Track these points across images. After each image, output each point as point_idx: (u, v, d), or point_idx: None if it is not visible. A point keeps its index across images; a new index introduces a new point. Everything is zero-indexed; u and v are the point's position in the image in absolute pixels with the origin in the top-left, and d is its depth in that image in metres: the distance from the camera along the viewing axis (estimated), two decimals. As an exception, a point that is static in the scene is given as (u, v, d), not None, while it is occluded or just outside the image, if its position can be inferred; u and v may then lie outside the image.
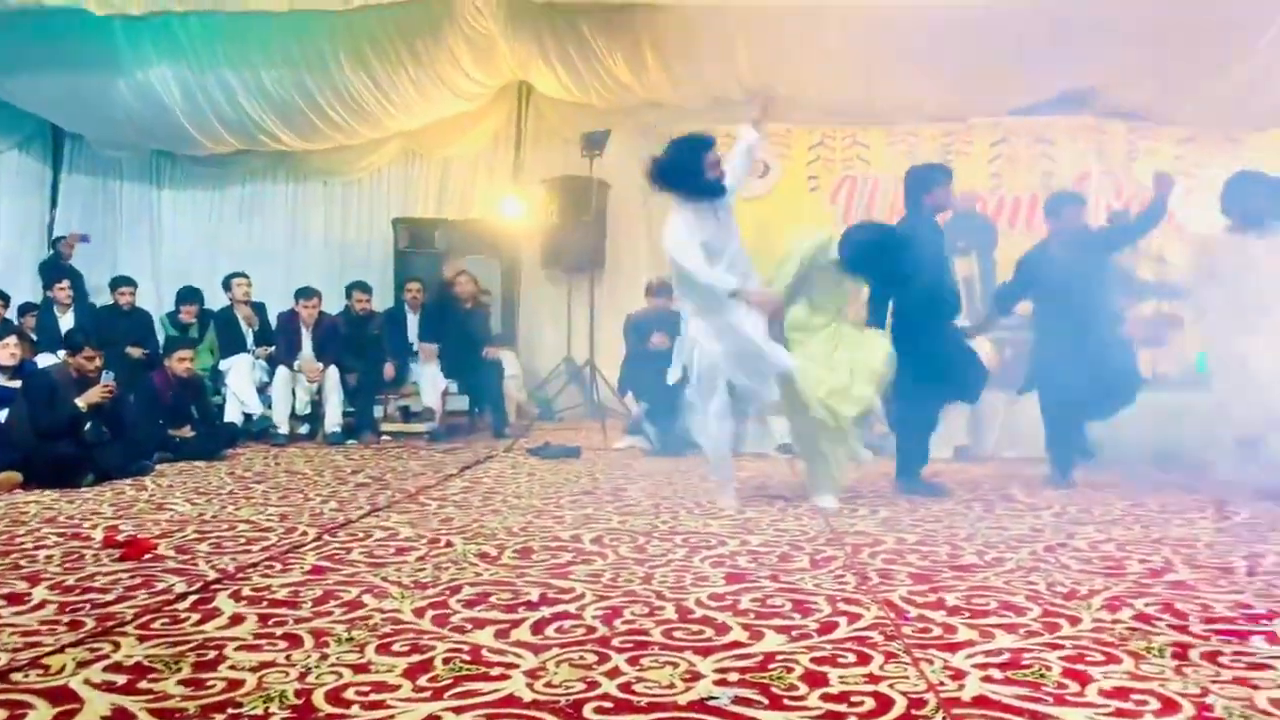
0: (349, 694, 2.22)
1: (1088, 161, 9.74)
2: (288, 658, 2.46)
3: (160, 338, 8.13)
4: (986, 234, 8.67)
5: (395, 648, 2.55)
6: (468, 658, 2.47)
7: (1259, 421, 5.31)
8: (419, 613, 2.88)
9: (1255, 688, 2.25)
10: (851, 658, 2.47)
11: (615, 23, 8.78)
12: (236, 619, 2.80)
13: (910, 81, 9.03)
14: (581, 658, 2.47)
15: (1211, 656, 2.47)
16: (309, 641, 2.59)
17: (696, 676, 2.33)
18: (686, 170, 4.56)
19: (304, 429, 8.00)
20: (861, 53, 8.67)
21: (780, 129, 9.93)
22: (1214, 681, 2.29)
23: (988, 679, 2.31)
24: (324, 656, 2.47)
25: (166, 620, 2.79)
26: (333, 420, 7.72)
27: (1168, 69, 8.79)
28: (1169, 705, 2.14)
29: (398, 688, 2.26)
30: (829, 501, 4.80)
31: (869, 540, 4.02)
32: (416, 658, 2.47)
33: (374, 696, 2.20)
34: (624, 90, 9.50)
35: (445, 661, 2.44)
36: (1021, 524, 4.40)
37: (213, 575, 3.33)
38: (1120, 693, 2.22)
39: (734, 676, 2.33)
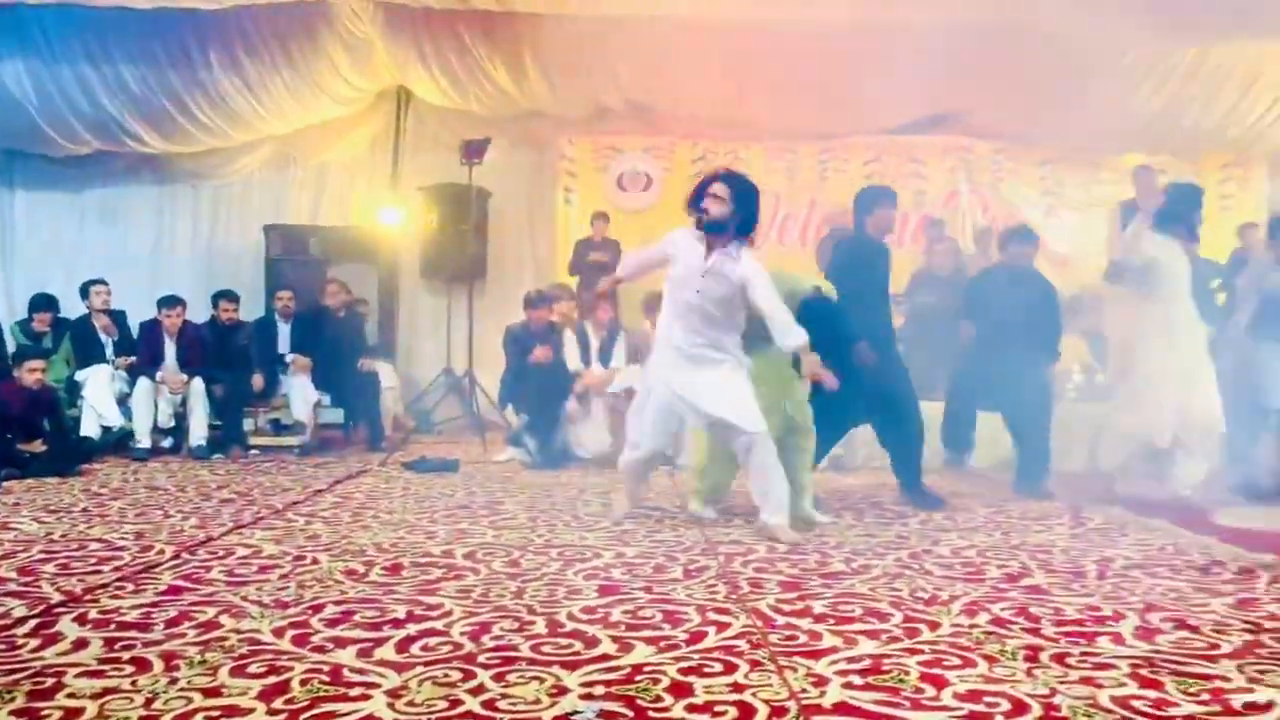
0: (197, 719, 2.13)
1: (956, 180, 10.12)
2: (133, 683, 2.34)
3: (11, 347, 7.68)
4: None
5: (251, 669, 2.45)
6: (327, 678, 2.40)
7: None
8: (278, 633, 2.78)
9: (1099, 686, 2.34)
10: (718, 667, 2.49)
11: (496, 30, 8.72)
12: (80, 643, 2.66)
13: (788, 98, 9.22)
14: (446, 675, 2.42)
15: (1060, 658, 2.57)
16: (158, 665, 2.48)
17: (563, 691, 2.31)
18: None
19: (167, 443, 7.67)
20: (741, 68, 8.82)
21: (664, 142, 10.03)
22: (1061, 682, 2.38)
23: (849, 685, 2.35)
24: (173, 681, 2.36)
25: (2, 647, 2.63)
26: (197, 433, 7.42)
27: (1030, 93, 9.18)
28: (1019, 706, 2.22)
29: (251, 711, 2.18)
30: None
31: (742, 550, 4.06)
32: (273, 679, 2.38)
33: (225, 721, 2.11)
34: (505, 98, 9.44)
35: (303, 683, 2.36)
36: (889, 531, 4.51)
37: (57, 598, 3.16)
38: (974, 695, 2.28)
39: (600, 690, 2.31)
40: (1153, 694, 2.29)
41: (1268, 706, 2.21)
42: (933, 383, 7.77)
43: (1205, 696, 2.27)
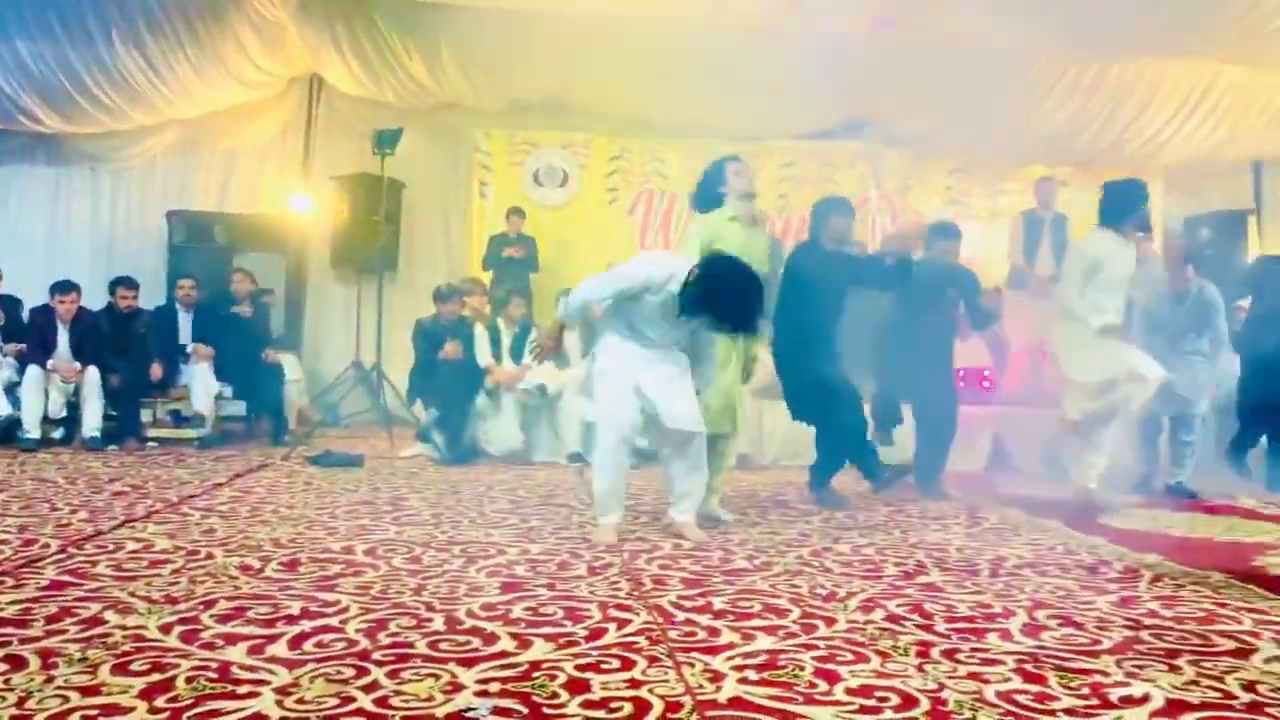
0: (74, 719, 2.05)
1: (867, 186, 10.30)
2: (6, 681, 2.24)
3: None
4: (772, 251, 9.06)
5: (134, 667, 2.37)
6: (214, 676, 2.33)
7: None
8: (166, 629, 2.70)
9: (986, 681, 2.40)
10: (616, 663, 2.49)
11: (412, 20, 8.60)
12: (-50, 641, 2.54)
13: (707, 99, 9.27)
14: (339, 672, 2.38)
15: (950, 654, 2.63)
16: (35, 663, 2.38)
17: (458, 688, 2.28)
18: None
19: (58, 433, 7.39)
20: (661, 67, 8.84)
21: (582, 139, 10.01)
22: (950, 677, 2.44)
23: (744, 680, 2.37)
24: (49, 679, 2.27)
25: None
26: (91, 424, 7.16)
27: (940, 104, 9.39)
28: (908, 700, 2.26)
29: (131, 710, 2.11)
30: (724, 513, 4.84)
31: (648, 546, 4.07)
32: (157, 677, 2.31)
33: (102, 720, 2.04)
34: (420, 89, 9.32)
35: (189, 680, 2.30)
36: (792, 529, 4.57)
37: (-72, 593, 3.02)
38: (865, 690, 2.32)
39: (496, 687, 2.29)
40: (1035, 688, 2.36)
41: (1143, 699, 2.30)
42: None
43: (1085, 690, 2.35)
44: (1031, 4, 7.65)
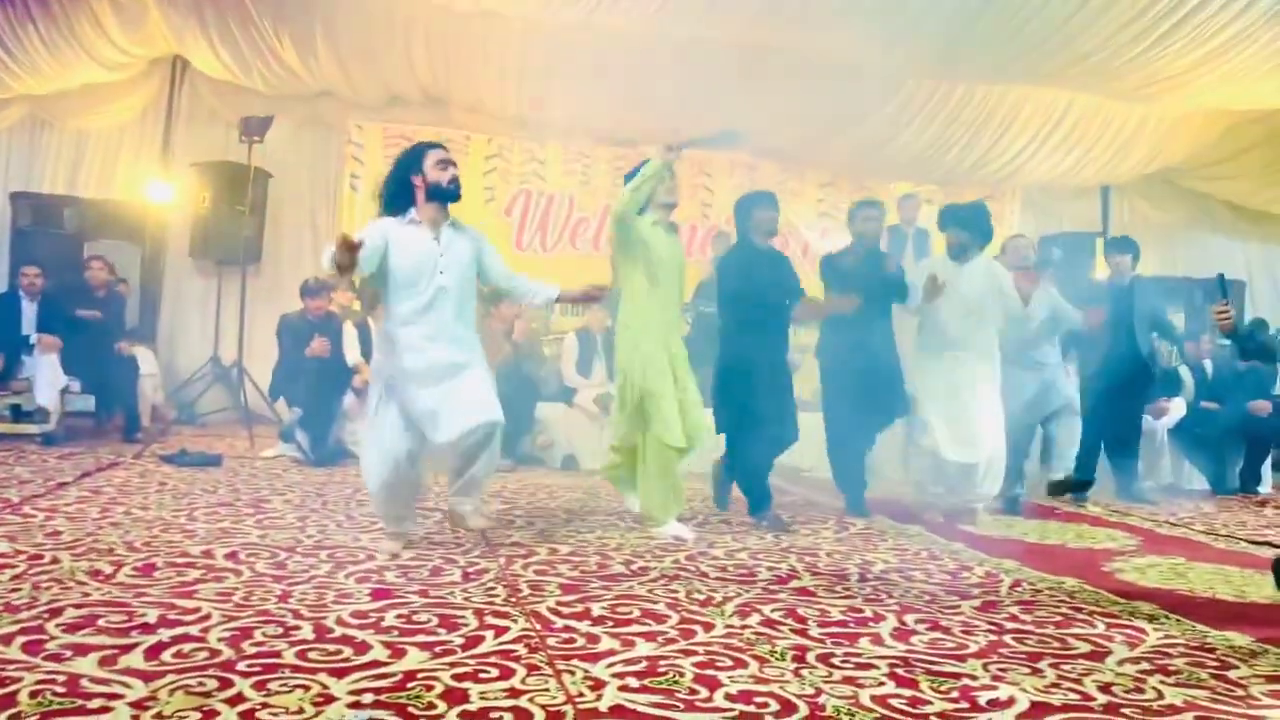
0: (-100, 740, 1.89)
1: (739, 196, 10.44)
2: None
3: None
4: None
5: (-30, 682, 2.20)
6: (62, 689, 2.18)
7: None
8: (6, 639, 2.52)
9: (861, 686, 2.45)
10: (495, 672, 2.44)
11: (285, 4, 8.29)
12: None
13: (585, 102, 9.24)
14: (201, 684, 2.26)
15: (826, 658, 2.67)
16: None
17: (329, 699, 2.20)
18: None
19: (-117, 427, 6.85)
20: (540, 68, 8.77)
21: (458, 135, 9.85)
22: (826, 682, 2.47)
23: (625, 688, 2.36)
24: (-127, 697, 2.08)
25: None
26: (-79, 418, 6.66)
27: (811, 118, 9.61)
28: (787, 707, 2.28)
29: (-33, 729, 1.95)
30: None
31: (523, 552, 4.02)
32: (-3, 693, 2.15)
33: (-66, 742, 1.88)
34: (292, 76, 9.00)
35: (33, 695, 2.15)
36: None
37: None
38: (745, 696, 2.34)
39: (369, 698, 2.22)
40: (909, 692, 2.42)
41: (1009, 702, 2.37)
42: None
43: (955, 694, 2.42)
44: (900, 29, 7.89)
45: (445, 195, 3.98)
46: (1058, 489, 6.32)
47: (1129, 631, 3.10)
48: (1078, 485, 6.38)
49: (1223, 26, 7.37)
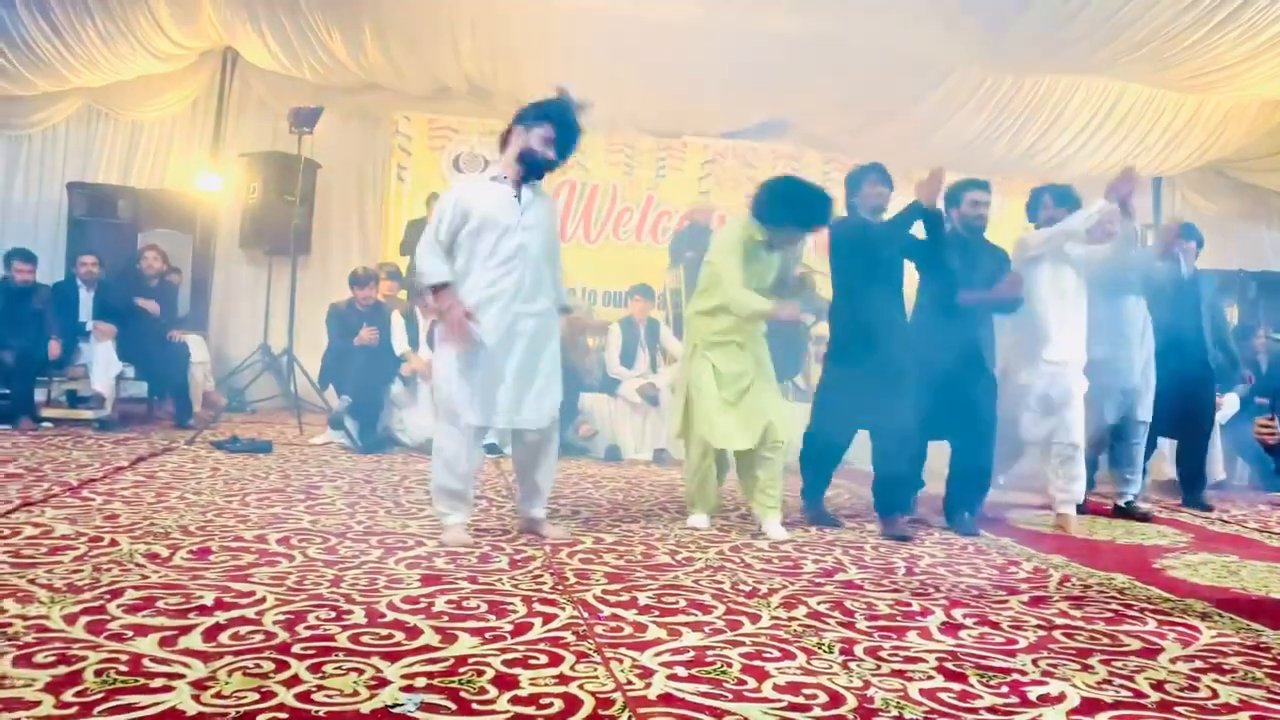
0: (-26, 714, 1.94)
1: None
2: (-102, 674, 2.12)
3: None
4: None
5: (38, 659, 2.26)
6: (125, 668, 2.23)
7: None
8: (70, 619, 2.58)
9: (909, 679, 2.44)
10: (544, 659, 2.46)
11: (333, -4, 8.39)
12: None
13: (629, 93, 9.26)
14: (257, 666, 2.30)
15: (873, 651, 2.67)
16: (-72, 655, 2.25)
17: (382, 683, 2.23)
18: None
19: (-54, 411, 7.04)
20: (584, 58, 8.79)
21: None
22: (874, 675, 2.47)
23: (673, 677, 2.37)
24: (-54, 672, 2.15)
25: None
26: (-18, 402, 6.84)
27: (856, 107, 9.56)
28: (835, 698, 2.28)
29: (37, 704, 2.00)
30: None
31: (568, 540, 4.05)
32: (63, 670, 2.20)
33: (7, 716, 1.93)
34: (339, 68, 9.11)
35: (98, 673, 2.19)
36: (711, 525, 4.59)
37: None
38: (793, 688, 2.34)
39: (422, 682, 2.25)
40: (958, 686, 2.41)
41: (1060, 698, 2.36)
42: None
43: (1004, 689, 2.41)
44: (949, 19, 7.81)
45: (533, 165, 4.04)
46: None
47: (1181, 629, 3.07)
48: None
49: (1279, 16, 7.22)
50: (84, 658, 2.29)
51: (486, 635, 2.63)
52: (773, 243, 4.64)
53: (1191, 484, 6.25)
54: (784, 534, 4.41)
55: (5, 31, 8.06)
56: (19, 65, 8.42)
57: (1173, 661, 2.71)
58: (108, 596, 2.81)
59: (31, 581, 2.92)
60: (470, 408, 3.85)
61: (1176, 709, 2.32)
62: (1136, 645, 2.86)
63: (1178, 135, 9.99)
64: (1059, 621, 3.09)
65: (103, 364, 7.21)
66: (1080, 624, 3.07)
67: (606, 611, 2.94)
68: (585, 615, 2.88)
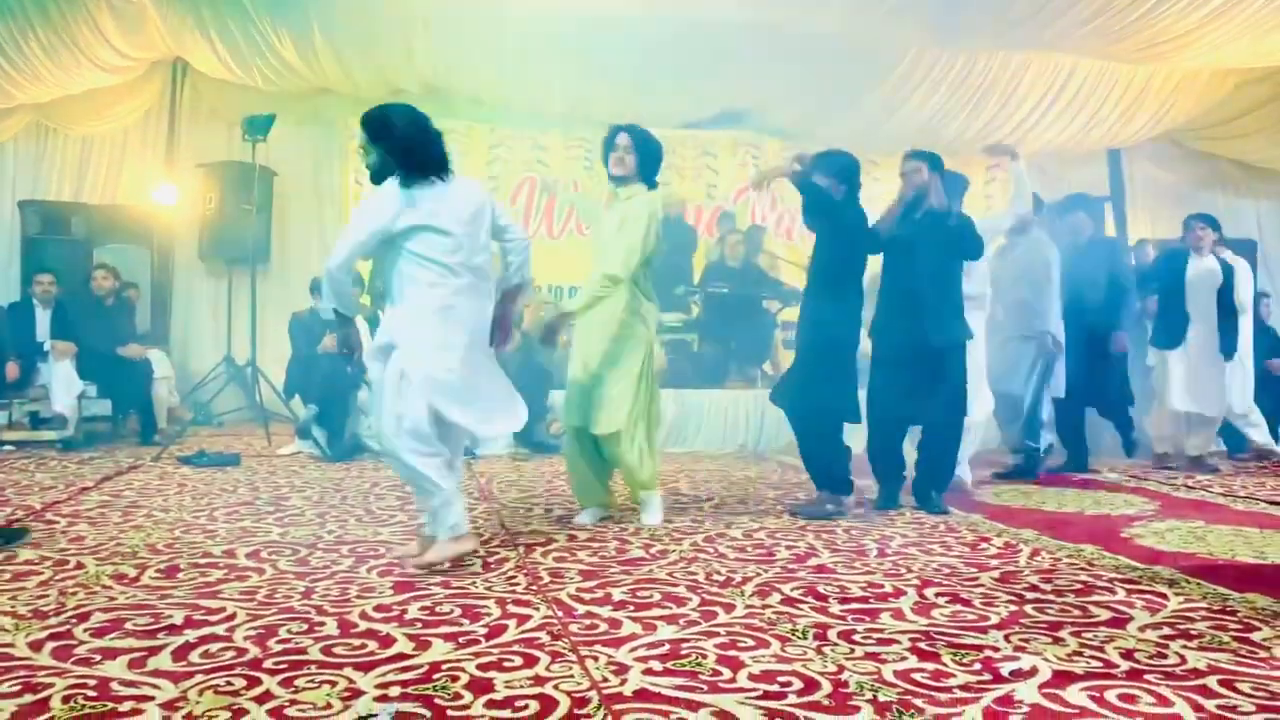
0: (-63, 749, 1.91)
1: (746, 175, 10.43)
2: None
3: None
4: (689, 237, 9.44)
5: (3, 688, 2.23)
6: (93, 693, 2.21)
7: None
8: (36, 646, 2.54)
9: (883, 661, 2.46)
10: (519, 660, 2.45)
11: (283, 1, 8.28)
12: None
13: (584, 87, 9.24)
14: (229, 683, 2.28)
15: (847, 635, 2.68)
16: (-110, 690, 2.21)
17: (356, 694, 2.22)
18: None
19: (-97, 439, 6.92)
20: (537, 55, 8.76)
21: (460, 125, 9.84)
22: (849, 659, 2.48)
23: (649, 671, 2.37)
24: (-92, 707, 2.11)
25: None
26: (-60, 428, 6.72)
27: (813, 93, 9.58)
28: (810, 684, 2.29)
29: (2, 736, 1.98)
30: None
31: (542, 539, 4.04)
32: (29, 698, 2.18)
33: (-30, 749, 1.91)
34: (291, 73, 9.00)
35: (65, 700, 2.17)
36: (685, 516, 4.60)
37: None
38: (768, 676, 2.35)
39: (396, 690, 2.23)
40: (931, 666, 2.43)
41: (1031, 672, 2.38)
42: (725, 372, 8.03)
43: (977, 666, 2.43)
44: (899, 2, 7.84)
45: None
46: None
47: (1149, 597, 3.11)
48: None
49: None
50: (50, 684, 2.26)
51: (460, 640, 2.62)
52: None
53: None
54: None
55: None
56: (-38, 84, 8.26)
57: (1141, 630, 2.75)
58: (75, 620, 2.77)
59: (-5, 609, 2.88)
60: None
61: (1146, 676, 2.35)
62: (1106, 615, 2.89)
63: (1130, 107, 10.08)
64: (1029, 596, 3.12)
65: (63, 383, 7.11)
66: (1050, 597, 3.11)
67: (581, 609, 2.94)
68: (560, 614, 2.88)
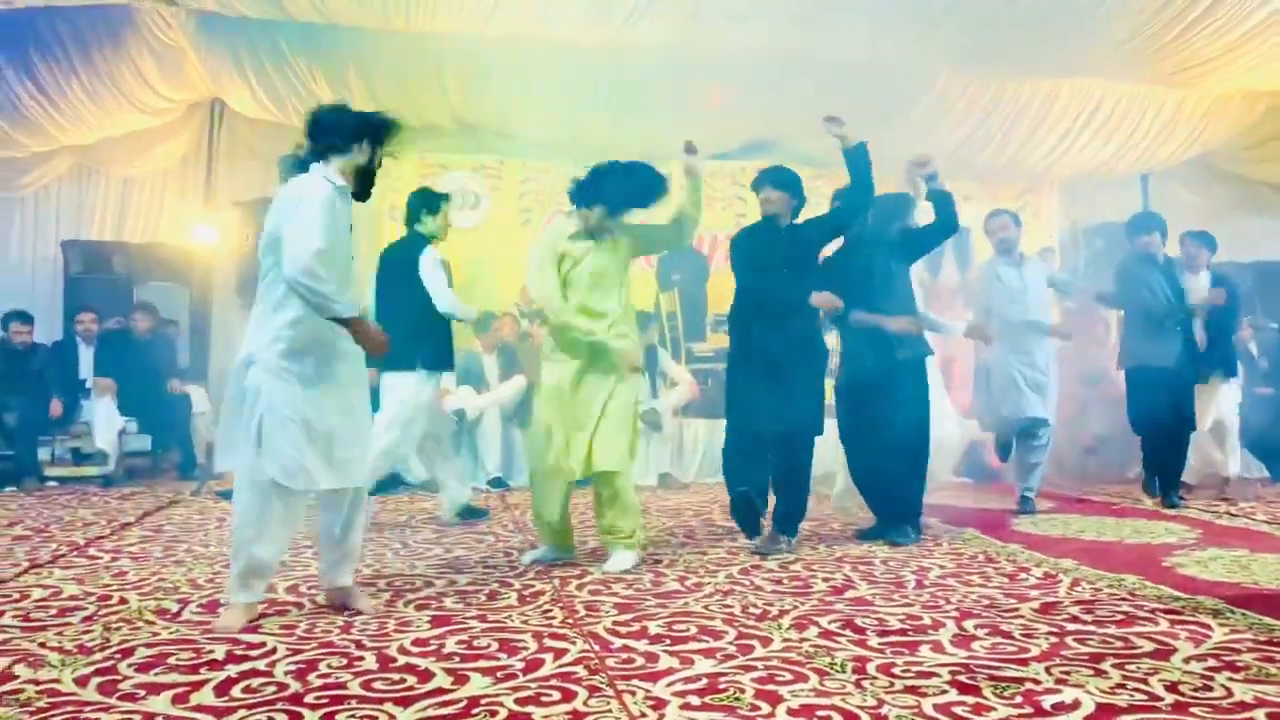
0: (-11, 785, 1.94)
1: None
2: (-88, 748, 2.12)
3: None
4: (700, 266, 9.46)
5: (51, 725, 2.27)
6: (138, 729, 2.24)
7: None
8: (82, 681, 2.58)
9: (923, 695, 2.44)
10: (557, 695, 2.46)
11: (318, 42, 8.44)
12: None
13: (616, 119, 9.31)
14: (270, 718, 2.30)
15: (886, 668, 2.67)
16: (-59, 726, 2.26)
17: (396, 729, 2.23)
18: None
19: (-50, 476, 7.05)
20: (569, 89, 8.85)
21: (493, 161, 9.96)
22: (888, 692, 2.47)
23: (686, 706, 2.37)
24: (-41, 743, 2.15)
25: None
26: (-14, 465, 6.85)
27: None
28: (849, 719, 2.28)
29: (51, 772, 2.01)
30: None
31: (577, 572, 4.05)
32: (76, 735, 2.21)
33: (20, 785, 1.94)
34: (327, 113, 9.15)
35: (111, 736, 2.20)
36: (720, 548, 4.59)
37: None
38: (807, 710, 2.34)
39: (436, 726, 2.25)
40: (972, 699, 2.40)
41: (1074, 705, 2.35)
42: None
43: (1019, 699, 2.40)
44: (926, 28, 7.86)
45: None
46: None
47: (1193, 628, 3.06)
48: None
49: (1257, 7, 7.28)
50: (97, 720, 2.29)
51: (498, 674, 2.63)
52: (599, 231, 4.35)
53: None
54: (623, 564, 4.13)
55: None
56: (6, 126, 8.46)
57: (1186, 661, 2.71)
58: (119, 656, 2.81)
59: (42, 645, 2.93)
60: None
61: (1192, 710, 2.32)
62: (1149, 647, 2.85)
63: (1163, 131, 10.01)
64: (1070, 627, 3.09)
65: (104, 420, 7.23)
66: (1092, 628, 3.07)
67: (618, 643, 2.94)
68: (596, 648, 2.88)
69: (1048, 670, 2.63)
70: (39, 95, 8.20)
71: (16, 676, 2.63)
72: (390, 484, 6.86)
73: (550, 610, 3.38)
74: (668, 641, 2.95)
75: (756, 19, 7.78)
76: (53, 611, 3.36)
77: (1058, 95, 9.54)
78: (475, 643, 2.95)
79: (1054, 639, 2.95)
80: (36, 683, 2.57)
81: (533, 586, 3.76)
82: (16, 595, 3.61)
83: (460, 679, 2.59)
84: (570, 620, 3.23)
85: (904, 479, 4.80)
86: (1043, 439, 5.78)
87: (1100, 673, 2.60)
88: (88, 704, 2.41)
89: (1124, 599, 3.48)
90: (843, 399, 4.95)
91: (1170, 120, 9.91)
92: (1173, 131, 10.05)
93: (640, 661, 2.74)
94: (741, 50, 8.35)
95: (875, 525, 4.91)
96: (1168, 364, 5.87)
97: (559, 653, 2.84)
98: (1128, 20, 7.67)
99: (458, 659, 2.78)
